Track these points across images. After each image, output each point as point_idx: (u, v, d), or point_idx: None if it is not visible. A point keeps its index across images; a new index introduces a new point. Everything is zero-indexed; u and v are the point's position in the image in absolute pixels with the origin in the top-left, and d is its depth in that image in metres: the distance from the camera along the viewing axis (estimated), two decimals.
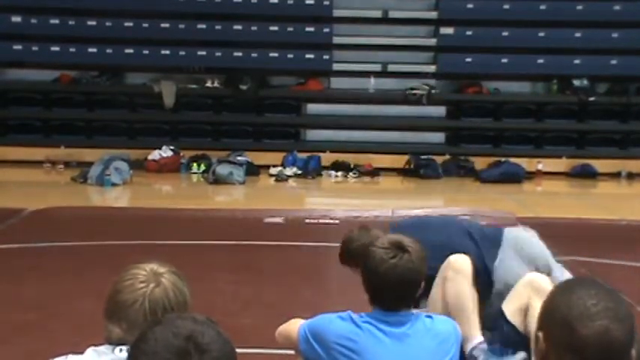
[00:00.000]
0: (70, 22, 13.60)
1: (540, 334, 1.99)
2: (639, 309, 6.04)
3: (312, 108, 13.83)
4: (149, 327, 1.73)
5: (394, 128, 13.59)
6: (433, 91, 13.45)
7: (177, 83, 13.64)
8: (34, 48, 13.61)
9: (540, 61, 13.75)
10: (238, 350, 1.77)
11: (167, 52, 13.53)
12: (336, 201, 10.95)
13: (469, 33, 13.94)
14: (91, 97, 13.81)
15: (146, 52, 13.50)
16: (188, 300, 2.54)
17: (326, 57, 13.77)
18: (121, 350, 2.47)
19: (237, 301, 6.18)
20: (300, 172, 12.76)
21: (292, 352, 3.32)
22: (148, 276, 2.50)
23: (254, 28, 13.71)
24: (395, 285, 3.06)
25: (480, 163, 13.15)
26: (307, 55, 13.68)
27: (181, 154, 13.08)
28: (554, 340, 1.95)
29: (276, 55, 13.70)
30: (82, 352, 2.54)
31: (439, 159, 13.17)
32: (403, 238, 3.14)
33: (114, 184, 11.52)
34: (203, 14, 13.90)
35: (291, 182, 12.47)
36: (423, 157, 13.14)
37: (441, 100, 13.70)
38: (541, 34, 13.81)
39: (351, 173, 13.05)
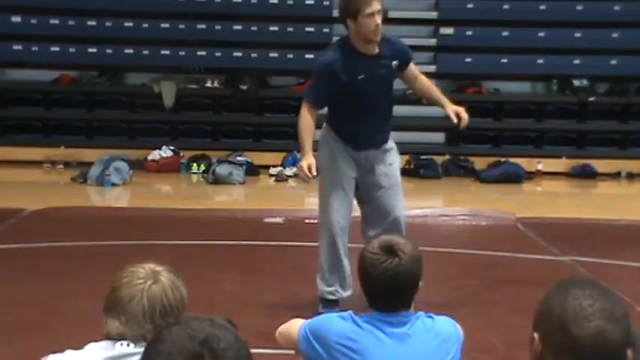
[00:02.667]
0: (70, 22, 13.60)
1: (536, 335, 1.99)
2: (639, 309, 6.04)
3: None
4: (167, 326, 1.72)
5: (394, 128, 13.57)
6: None
7: (177, 83, 13.64)
8: (34, 48, 13.61)
9: (540, 61, 13.75)
10: None
11: (167, 52, 13.53)
12: None
13: (469, 33, 13.94)
14: (91, 97, 13.82)
15: (146, 52, 13.50)
16: (185, 298, 2.58)
17: None
18: (121, 344, 2.50)
19: (237, 301, 6.18)
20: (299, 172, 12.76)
21: (292, 352, 3.32)
22: (146, 273, 2.55)
23: (254, 28, 13.71)
24: (387, 289, 3.06)
25: (479, 163, 13.15)
26: (307, 55, 13.67)
27: (181, 154, 13.09)
28: (550, 342, 1.95)
29: (276, 55, 13.71)
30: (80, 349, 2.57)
31: (439, 159, 13.18)
32: (396, 240, 3.11)
33: (114, 184, 11.52)
34: (203, 14, 13.90)
35: (291, 182, 12.47)
36: (422, 157, 13.14)
37: None
38: (541, 34, 13.81)
39: None
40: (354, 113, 5.86)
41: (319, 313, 4.74)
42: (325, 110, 6.00)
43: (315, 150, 5.81)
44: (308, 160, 5.65)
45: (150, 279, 2.53)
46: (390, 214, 5.89)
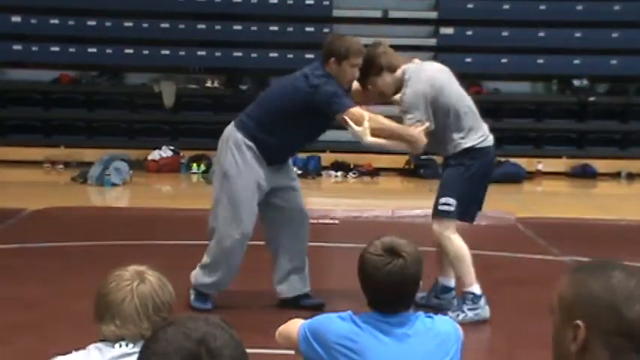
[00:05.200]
0: (70, 22, 13.61)
1: (581, 323, 1.97)
2: None
3: None
4: (162, 326, 1.72)
5: None
6: None
7: (177, 83, 13.65)
8: (34, 48, 13.62)
9: (540, 61, 13.76)
10: None
11: (167, 52, 13.54)
12: (336, 201, 10.95)
13: (469, 33, 13.95)
14: (91, 97, 13.83)
15: (146, 52, 13.51)
16: (173, 293, 2.64)
17: None
18: (120, 345, 2.52)
19: (237, 300, 6.17)
20: (300, 172, 12.75)
21: (292, 352, 3.32)
22: (131, 275, 2.60)
23: (254, 28, 13.72)
24: (391, 291, 3.04)
25: None
26: (307, 55, 13.65)
27: (181, 154, 13.09)
28: (600, 327, 1.94)
29: (276, 55, 13.71)
30: (83, 348, 2.59)
31: (439, 159, 13.15)
32: (398, 241, 3.10)
33: (114, 184, 11.52)
34: (203, 14, 13.91)
35: None
36: (422, 157, 13.13)
37: None
38: (541, 34, 13.82)
39: (350, 173, 13.05)
40: (301, 132, 5.93)
41: (318, 308, 4.66)
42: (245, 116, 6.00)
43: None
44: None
45: (136, 279, 2.58)
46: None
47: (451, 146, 5.95)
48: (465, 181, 5.91)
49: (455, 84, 6.21)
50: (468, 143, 5.95)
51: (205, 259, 6.04)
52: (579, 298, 1.99)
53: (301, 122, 5.80)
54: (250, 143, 5.84)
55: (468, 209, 5.97)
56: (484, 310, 5.82)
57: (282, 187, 6.03)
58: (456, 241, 5.85)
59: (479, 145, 6.03)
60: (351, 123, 5.69)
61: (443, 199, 5.88)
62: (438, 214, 5.90)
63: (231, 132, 5.94)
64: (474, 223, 6.15)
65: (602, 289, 1.96)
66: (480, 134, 6.07)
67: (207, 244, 6.15)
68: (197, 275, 6.02)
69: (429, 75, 5.95)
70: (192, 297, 6.00)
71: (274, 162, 5.95)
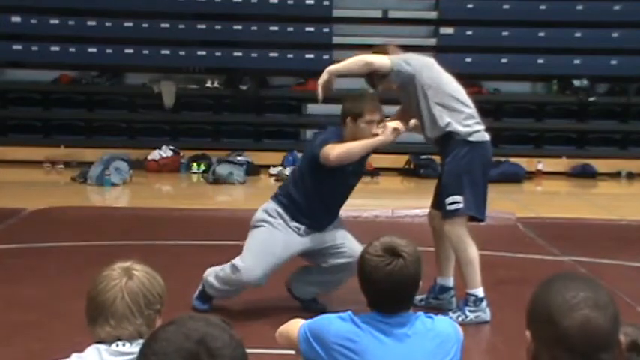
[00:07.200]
0: (70, 22, 13.60)
1: (528, 333, 2.02)
2: (639, 309, 6.05)
3: (312, 108, 13.81)
4: (162, 326, 1.73)
5: None
6: None
7: (177, 83, 13.64)
8: (34, 48, 13.61)
9: (540, 61, 13.75)
10: None
11: (167, 52, 13.53)
12: None
13: (469, 33, 13.94)
14: (91, 97, 13.82)
15: (146, 52, 13.50)
16: (163, 284, 2.64)
17: (326, 57, 13.74)
18: (117, 345, 2.52)
19: (237, 301, 6.18)
20: None
21: (292, 352, 3.32)
22: (118, 273, 2.60)
23: (254, 28, 13.71)
24: (391, 291, 3.05)
25: None
26: (307, 55, 13.67)
27: (181, 154, 13.09)
28: (541, 337, 1.99)
29: (276, 55, 13.71)
30: (83, 351, 2.58)
31: (439, 159, 13.17)
32: (397, 241, 3.10)
33: (114, 184, 11.52)
34: (203, 14, 13.91)
35: None
36: (423, 157, 13.13)
37: None
38: (541, 34, 13.81)
39: None
40: (327, 189, 5.88)
41: (319, 313, 4.67)
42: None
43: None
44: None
45: (124, 276, 2.59)
46: None
47: (437, 120, 6.14)
48: (465, 174, 5.94)
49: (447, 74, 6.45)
50: (454, 120, 6.08)
51: (222, 271, 5.94)
52: (528, 309, 2.05)
53: (320, 178, 5.80)
54: (281, 211, 5.86)
55: (472, 202, 5.91)
56: (485, 313, 5.82)
57: (325, 247, 5.94)
58: (468, 243, 5.85)
59: (471, 139, 6.07)
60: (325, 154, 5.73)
61: (449, 199, 5.89)
62: (448, 215, 5.89)
63: (265, 203, 6.01)
64: (475, 223, 6.13)
65: (543, 301, 2.01)
66: (472, 122, 6.16)
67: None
68: (210, 273, 5.97)
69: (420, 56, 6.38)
70: (196, 293, 5.99)
71: (313, 227, 5.89)
